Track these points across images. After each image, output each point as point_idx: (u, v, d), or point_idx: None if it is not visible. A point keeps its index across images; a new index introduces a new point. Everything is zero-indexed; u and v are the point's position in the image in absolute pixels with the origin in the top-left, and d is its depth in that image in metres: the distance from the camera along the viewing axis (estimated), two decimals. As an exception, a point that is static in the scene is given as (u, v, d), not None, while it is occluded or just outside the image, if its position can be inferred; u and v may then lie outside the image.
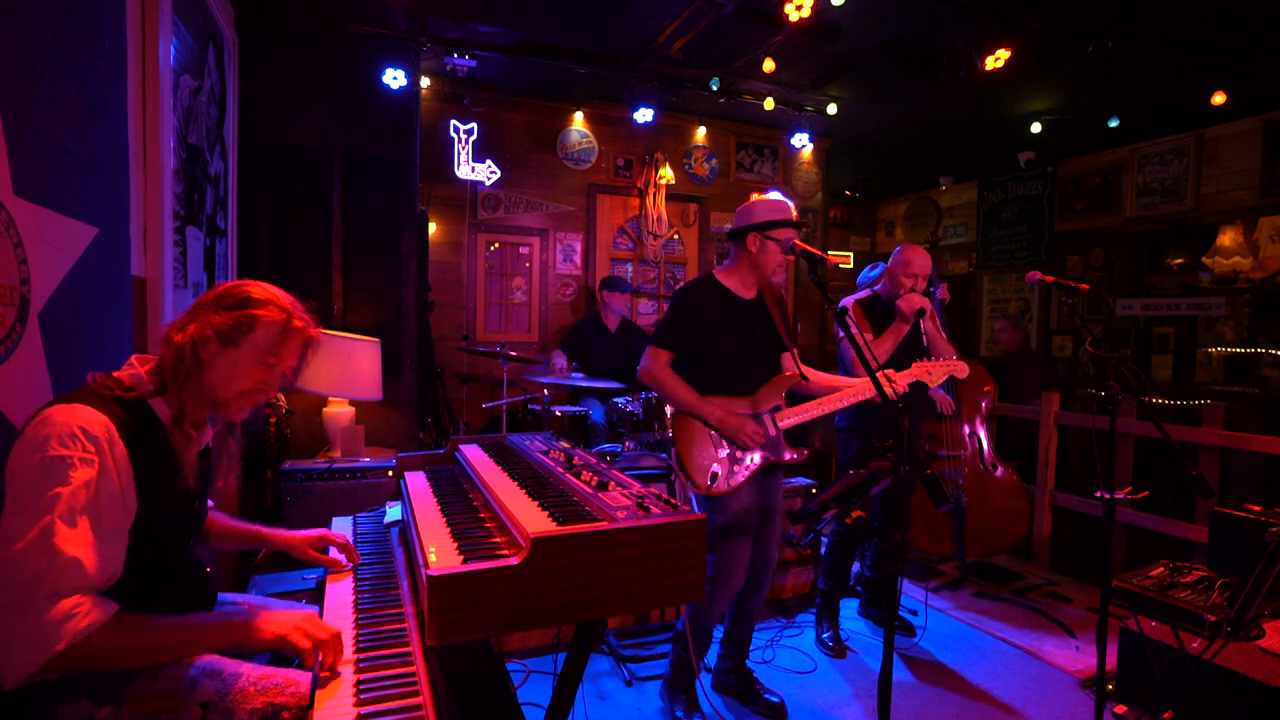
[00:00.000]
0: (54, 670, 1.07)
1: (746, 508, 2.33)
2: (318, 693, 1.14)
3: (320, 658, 1.21)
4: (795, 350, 2.49)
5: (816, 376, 2.48)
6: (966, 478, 3.56)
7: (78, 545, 1.10)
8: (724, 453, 2.31)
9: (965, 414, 3.62)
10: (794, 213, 2.40)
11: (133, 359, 1.35)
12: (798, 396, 2.44)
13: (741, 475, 2.30)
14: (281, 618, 1.27)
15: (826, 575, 3.12)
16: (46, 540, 1.07)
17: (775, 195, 2.51)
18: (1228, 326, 6.20)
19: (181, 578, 1.40)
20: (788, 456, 2.37)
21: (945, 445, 3.56)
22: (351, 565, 1.68)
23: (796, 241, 2.12)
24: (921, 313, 2.81)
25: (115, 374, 1.30)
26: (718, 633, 2.60)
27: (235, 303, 1.33)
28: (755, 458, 2.32)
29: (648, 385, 2.40)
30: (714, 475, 2.27)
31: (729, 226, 2.48)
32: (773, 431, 2.35)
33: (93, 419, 1.17)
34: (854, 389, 2.40)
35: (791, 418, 2.38)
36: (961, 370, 2.52)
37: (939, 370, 2.48)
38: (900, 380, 2.40)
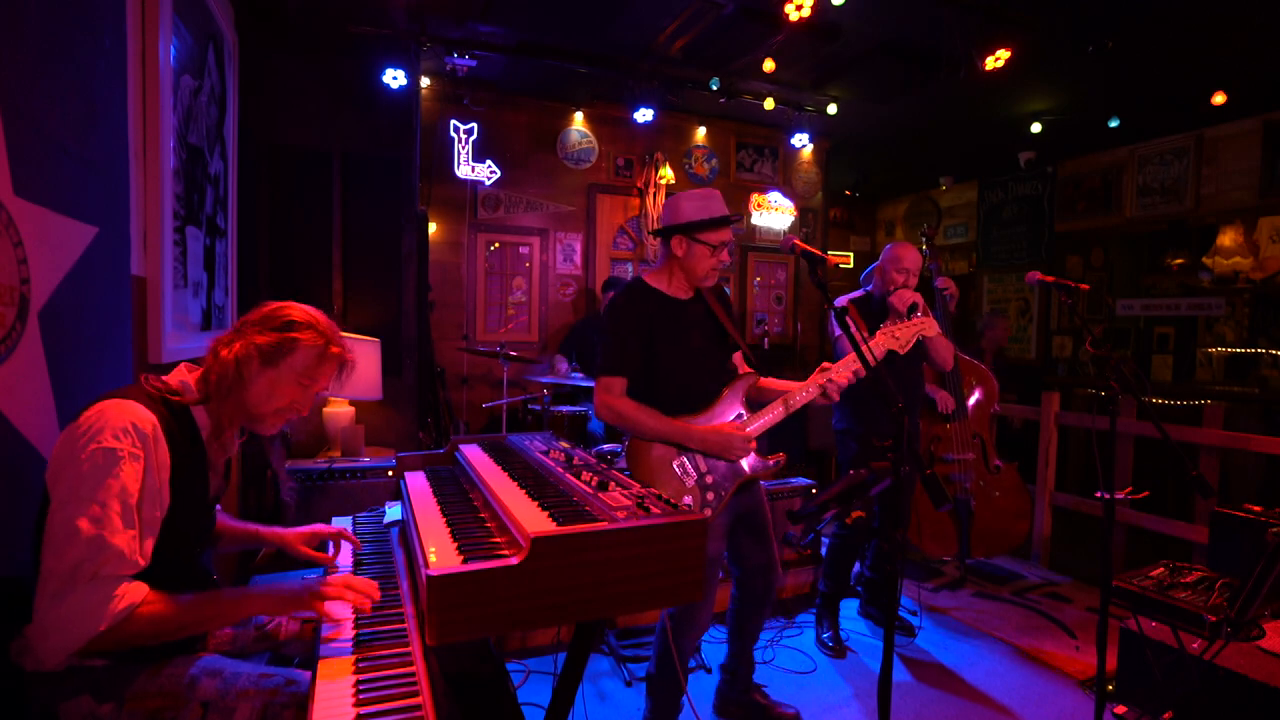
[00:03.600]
0: (94, 649, 1.13)
1: (715, 538, 2.11)
2: (316, 691, 1.14)
3: (349, 597, 1.29)
4: (745, 347, 2.26)
5: (764, 380, 2.24)
6: (973, 480, 3.56)
7: (122, 534, 1.16)
8: (692, 481, 2.07)
9: (968, 415, 3.61)
10: (724, 205, 2.13)
11: (181, 366, 1.41)
12: (753, 402, 2.22)
13: (718, 503, 2.08)
14: (295, 584, 1.34)
15: (827, 577, 3.12)
16: (98, 528, 1.14)
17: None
18: (1228, 326, 6.20)
19: (190, 581, 1.41)
20: (759, 465, 2.14)
21: (952, 449, 3.54)
22: (350, 562, 1.69)
23: (796, 241, 2.06)
24: (914, 307, 2.73)
25: (165, 378, 1.37)
26: (720, 656, 2.46)
27: (280, 325, 1.39)
28: (729, 480, 2.10)
29: (607, 421, 2.10)
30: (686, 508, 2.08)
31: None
32: None
33: (143, 417, 1.23)
34: (816, 381, 2.12)
35: (758, 423, 2.13)
36: (930, 328, 2.28)
37: (905, 332, 2.23)
38: (877, 351, 2.19)
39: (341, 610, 1.40)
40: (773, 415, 2.14)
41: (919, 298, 2.77)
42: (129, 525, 1.17)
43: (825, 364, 2.15)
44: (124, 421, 1.20)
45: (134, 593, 1.16)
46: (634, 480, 1.62)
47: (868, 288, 3.10)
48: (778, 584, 2.32)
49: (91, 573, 1.12)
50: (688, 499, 2.05)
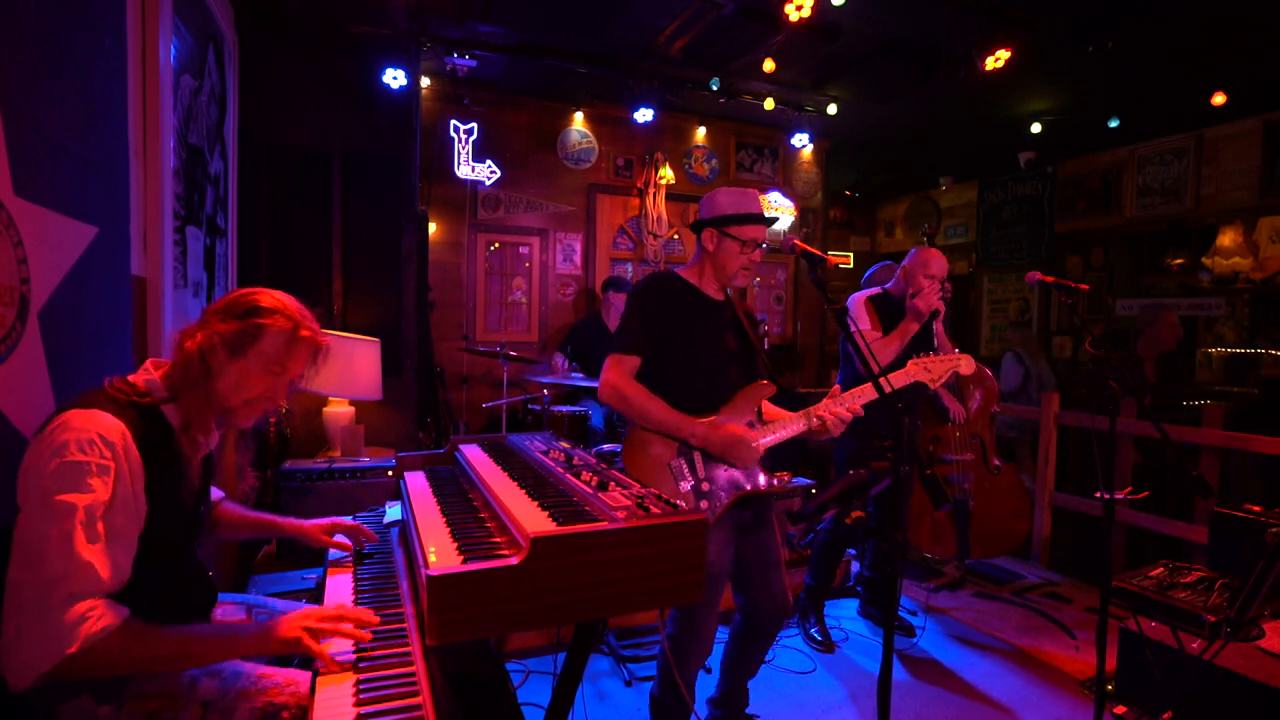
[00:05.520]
0: (63, 674, 1.08)
1: (716, 552, 1.95)
2: (317, 691, 1.14)
3: (342, 637, 1.23)
4: (768, 364, 2.15)
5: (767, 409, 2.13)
6: (972, 481, 3.55)
7: (94, 551, 1.11)
8: (688, 485, 1.94)
9: (969, 416, 3.61)
10: (760, 204, 2.07)
11: (148, 363, 1.36)
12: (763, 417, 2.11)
13: (711, 513, 1.92)
14: (286, 622, 1.23)
15: (813, 572, 3.12)
16: (65, 545, 1.08)
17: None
18: (1228, 327, 6.20)
19: (184, 581, 1.41)
20: (763, 482, 2.01)
21: (951, 449, 3.54)
22: (351, 559, 1.71)
23: (796, 241, 2.05)
24: (935, 314, 2.74)
25: (130, 378, 1.31)
26: (709, 690, 2.30)
27: (243, 311, 1.33)
28: (727, 490, 1.97)
29: (608, 402, 1.99)
30: None
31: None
32: None
33: (109, 425, 1.18)
34: (833, 410, 2.01)
35: (771, 435, 2.00)
36: (967, 365, 2.26)
37: (939, 366, 2.19)
38: (897, 382, 2.12)
39: (342, 594, 1.40)
40: (787, 430, 2.03)
41: (941, 306, 2.75)
42: (96, 540, 1.11)
43: (836, 388, 2.06)
44: (89, 433, 1.15)
45: (110, 614, 1.10)
46: (633, 480, 1.62)
47: (886, 285, 3.08)
48: (784, 617, 2.14)
49: (63, 592, 1.07)
50: (678, 503, 1.95)
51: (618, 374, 1.98)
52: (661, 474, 1.95)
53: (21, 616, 1.08)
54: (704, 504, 1.94)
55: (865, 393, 2.03)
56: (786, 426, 2.03)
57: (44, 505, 1.10)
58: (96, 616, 1.09)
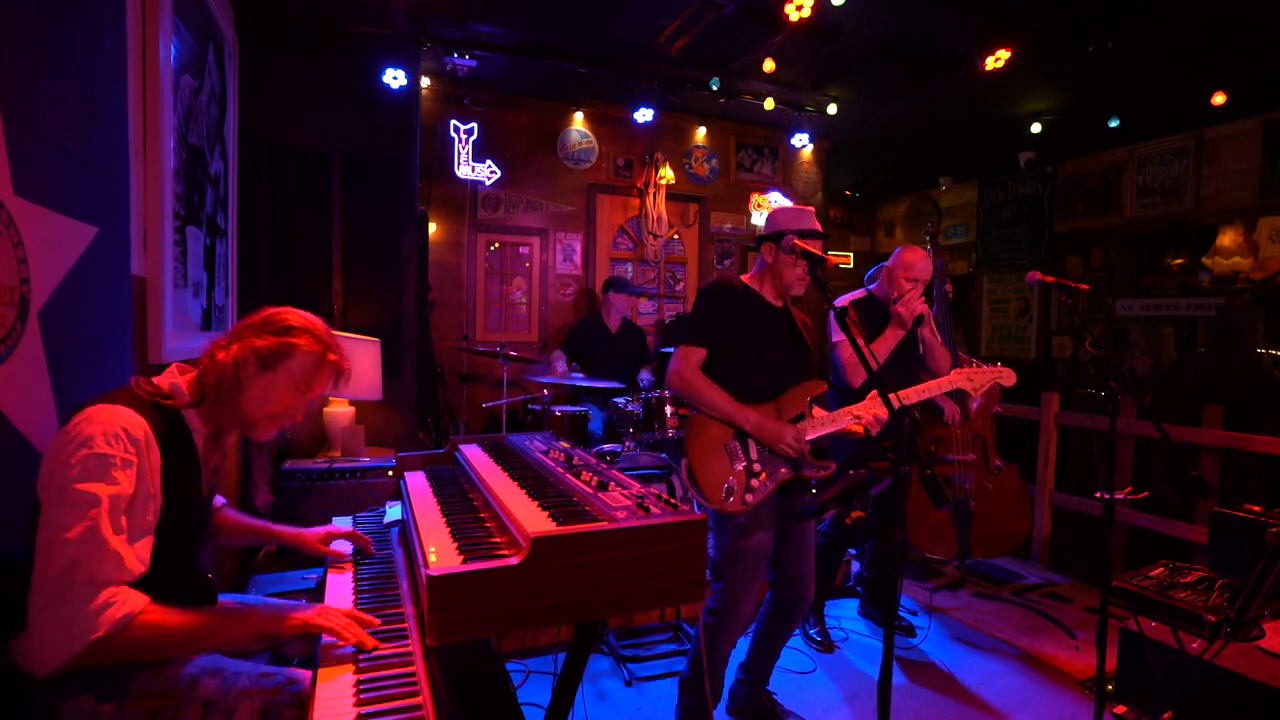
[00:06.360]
0: (88, 659, 1.11)
1: (761, 531, 2.16)
2: (317, 691, 1.14)
3: (349, 637, 1.26)
4: (821, 369, 2.36)
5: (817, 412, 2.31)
6: (974, 481, 3.55)
7: (118, 540, 1.15)
8: (741, 466, 2.13)
9: (970, 417, 3.60)
10: (814, 221, 2.28)
11: (174, 367, 1.41)
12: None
13: (760, 492, 2.11)
14: (300, 607, 1.32)
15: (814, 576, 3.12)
16: (91, 534, 1.12)
17: (788, 203, 2.41)
18: (1228, 327, 6.19)
19: (187, 582, 1.42)
20: (810, 472, 2.18)
21: (953, 450, 3.53)
22: (351, 559, 1.71)
23: (796, 241, 2.07)
24: (920, 319, 2.70)
25: (156, 380, 1.36)
26: (738, 656, 2.43)
27: (279, 329, 1.40)
28: (775, 473, 2.15)
29: (675, 389, 2.21)
30: (729, 490, 2.08)
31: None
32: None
33: (134, 421, 1.22)
34: (871, 410, 2.18)
35: (819, 428, 2.17)
36: (1008, 379, 2.35)
37: (981, 376, 2.32)
38: (938, 388, 2.32)
39: (343, 594, 1.40)
40: (829, 426, 2.19)
41: (927, 309, 2.72)
42: (121, 531, 1.16)
43: (875, 393, 2.21)
44: (115, 427, 1.19)
45: (132, 600, 1.14)
46: (633, 481, 1.62)
47: (870, 287, 3.02)
48: (809, 597, 2.33)
49: (86, 577, 1.11)
50: (731, 480, 2.11)
51: (685, 364, 2.21)
52: (718, 454, 2.16)
53: (46, 605, 1.10)
54: (755, 482, 2.13)
55: (906, 396, 2.26)
56: (830, 423, 2.20)
57: (69, 496, 1.13)
58: (120, 602, 1.13)
